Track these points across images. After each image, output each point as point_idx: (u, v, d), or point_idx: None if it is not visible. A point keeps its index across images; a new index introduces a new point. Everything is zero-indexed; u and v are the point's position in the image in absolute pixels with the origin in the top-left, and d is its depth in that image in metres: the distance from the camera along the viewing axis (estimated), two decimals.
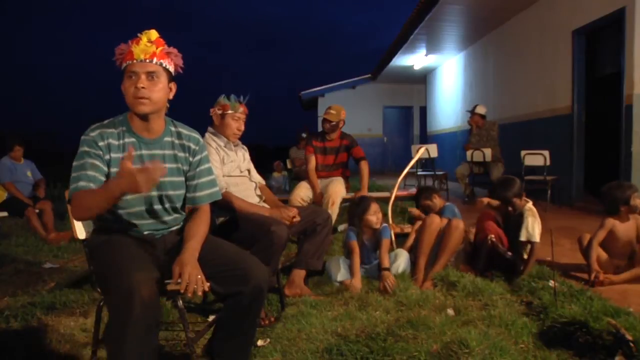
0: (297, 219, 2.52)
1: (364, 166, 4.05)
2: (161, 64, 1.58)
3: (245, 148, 2.81)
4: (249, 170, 2.74)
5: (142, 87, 1.53)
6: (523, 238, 2.77)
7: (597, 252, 2.81)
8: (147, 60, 1.55)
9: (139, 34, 1.58)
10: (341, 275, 2.83)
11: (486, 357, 1.78)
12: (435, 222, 2.92)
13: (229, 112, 2.57)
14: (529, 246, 2.81)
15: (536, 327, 2.12)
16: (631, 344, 1.75)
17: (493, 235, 2.84)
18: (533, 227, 2.76)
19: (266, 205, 2.64)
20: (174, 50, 1.64)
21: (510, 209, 2.91)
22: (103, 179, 1.55)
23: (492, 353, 1.80)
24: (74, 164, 1.55)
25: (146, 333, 1.31)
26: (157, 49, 1.57)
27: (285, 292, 2.61)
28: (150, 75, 1.55)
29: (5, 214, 4.61)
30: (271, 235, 2.19)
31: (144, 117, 1.59)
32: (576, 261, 3.20)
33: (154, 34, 1.58)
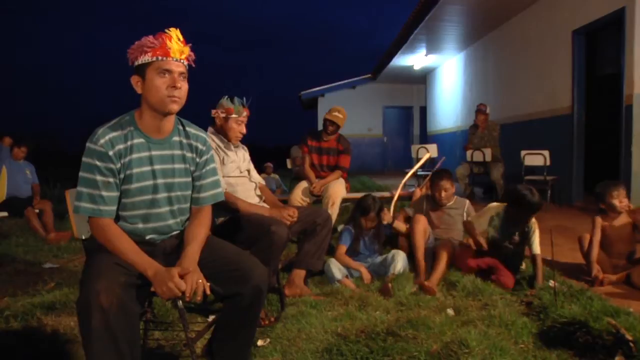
0: (295, 217, 2.52)
1: (338, 172, 3.98)
2: (187, 66, 1.58)
3: (246, 148, 2.81)
4: (248, 171, 2.73)
5: (180, 88, 1.53)
6: (537, 251, 2.72)
7: (597, 252, 2.82)
8: (181, 61, 1.55)
9: (167, 30, 1.55)
10: (340, 273, 2.85)
11: (486, 357, 1.78)
12: (422, 221, 3.03)
13: (233, 116, 2.56)
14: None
15: (536, 327, 2.12)
16: (631, 344, 1.75)
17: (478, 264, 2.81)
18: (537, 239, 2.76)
19: (266, 206, 2.64)
20: (192, 54, 1.63)
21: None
22: (117, 194, 1.54)
23: (492, 353, 1.80)
24: (83, 175, 1.51)
25: (113, 341, 1.31)
26: (188, 50, 1.57)
27: (285, 292, 2.61)
28: (182, 75, 1.55)
29: (5, 214, 4.60)
30: (271, 236, 2.19)
31: (163, 116, 1.57)
32: (576, 261, 3.20)
33: (179, 33, 1.56)
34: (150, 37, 1.54)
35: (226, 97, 2.60)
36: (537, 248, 2.72)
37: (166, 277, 1.42)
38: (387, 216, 3.13)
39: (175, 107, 1.55)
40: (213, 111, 2.61)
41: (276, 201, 2.75)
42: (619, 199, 2.82)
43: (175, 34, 1.54)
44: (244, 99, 2.63)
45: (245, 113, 2.60)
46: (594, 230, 2.86)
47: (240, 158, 2.68)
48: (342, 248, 3.06)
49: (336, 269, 2.87)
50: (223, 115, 2.57)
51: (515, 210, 2.73)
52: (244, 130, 2.62)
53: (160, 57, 1.51)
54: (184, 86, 1.55)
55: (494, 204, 2.93)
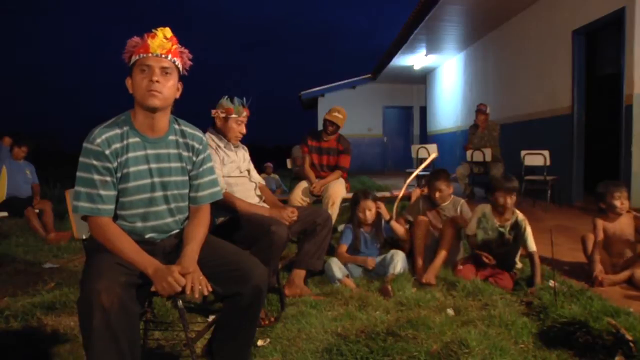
0: (295, 217, 2.52)
1: (338, 172, 3.98)
2: (174, 62, 1.59)
3: (246, 148, 2.81)
4: (248, 171, 2.74)
5: (157, 81, 1.52)
6: (532, 249, 2.71)
7: (600, 253, 2.82)
8: (163, 56, 1.55)
9: (153, 30, 1.57)
10: (340, 272, 2.86)
11: (486, 357, 1.78)
12: (424, 223, 3.08)
13: (233, 116, 2.56)
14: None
15: (536, 327, 2.12)
16: (631, 344, 1.75)
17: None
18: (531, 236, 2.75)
19: (266, 206, 2.64)
20: (185, 51, 1.64)
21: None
22: (115, 193, 1.55)
23: (492, 353, 1.80)
24: (81, 174, 1.51)
25: (114, 341, 1.31)
26: (172, 46, 1.58)
27: (285, 292, 2.61)
28: (164, 70, 1.55)
29: (5, 214, 4.60)
30: (271, 235, 2.19)
31: (151, 113, 1.57)
32: (576, 260, 3.20)
33: (168, 31, 1.58)
34: (136, 38, 1.57)
35: (226, 97, 2.60)
36: (532, 245, 2.71)
37: (166, 273, 1.43)
38: (383, 210, 3.10)
39: (156, 102, 1.54)
40: (213, 111, 2.61)
41: (276, 201, 2.75)
42: (621, 200, 2.82)
43: (162, 32, 1.56)
44: (244, 99, 2.62)
45: (245, 113, 2.60)
46: (596, 232, 2.86)
47: (240, 158, 2.68)
48: (343, 247, 3.07)
49: (337, 268, 2.87)
50: (223, 115, 2.57)
51: (495, 197, 2.78)
52: (244, 130, 2.62)
53: (141, 55, 1.54)
54: (165, 81, 1.55)
55: (481, 205, 2.94)
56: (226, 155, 2.59)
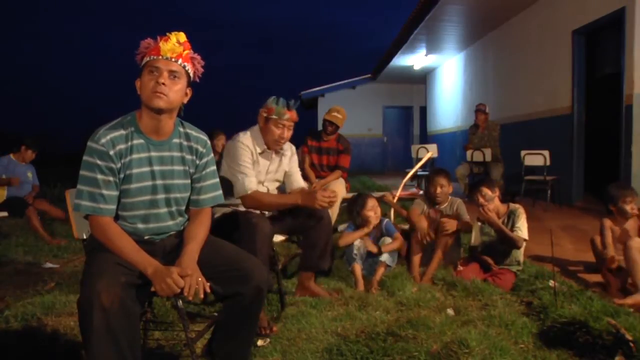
0: (333, 199, 2.37)
1: (337, 172, 4.00)
2: (184, 67, 1.59)
3: (293, 149, 2.64)
4: (278, 180, 2.60)
5: (163, 83, 1.53)
6: (525, 236, 2.76)
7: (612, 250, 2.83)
8: (173, 60, 1.56)
9: (168, 33, 1.58)
10: (359, 255, 2.94)
11: (486, 357, 1.78)
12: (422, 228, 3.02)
13: (273, 117, 2.37)
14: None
15: (536, 327, 2.12)
16: (631, 344, 1.75)
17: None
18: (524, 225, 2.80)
19: (296, 196, 2.47)
20: (197, 57, 1.65)
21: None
22: (117, 193, 1.55)
23: (492, 353, 1.80)
24: (84, 173, 1.51)
25: (114, 341, 1.31)
26: (183, 51, 1.58)
27: (297, 294, 2.61)
28: (172, 74, 1.56)
29: (5, 214, 4.60)
30: (253, 228, 2.14)
31: (157, 115, 1.57)
32: (578, 259, 3.21)
33: (182, 36, 1.59)
34: (149, 40, 1.58)
35: (273, 97, 2.44)
36: (523, 233, 2.73)
37: (165, 274, 1.43)
38: (369, 242, 3.02)
39: (160, 103, 1.54)
40: (260, 110, 2.45)
41: (307, 190, 2.64)
42: (631, 205, 2.84)
43: (175, 37, 1.57)
44: (293, 101, 2.44)
45: (287, 116, 2.38)
46: (605, 232, 2.85)
47: (273, 168, 2.52)
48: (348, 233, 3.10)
49: (358, 250, 2.92)
50: (265, 115, 2.41)
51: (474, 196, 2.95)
52: (285, 135, 2.42)
53: (152, 57, 1.55)
54: (172, 84, 1.55)
55: (478, 217, 2.98)
56: (257, 163, 2.44)
